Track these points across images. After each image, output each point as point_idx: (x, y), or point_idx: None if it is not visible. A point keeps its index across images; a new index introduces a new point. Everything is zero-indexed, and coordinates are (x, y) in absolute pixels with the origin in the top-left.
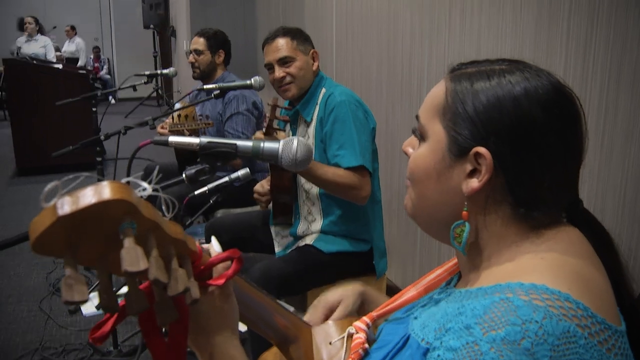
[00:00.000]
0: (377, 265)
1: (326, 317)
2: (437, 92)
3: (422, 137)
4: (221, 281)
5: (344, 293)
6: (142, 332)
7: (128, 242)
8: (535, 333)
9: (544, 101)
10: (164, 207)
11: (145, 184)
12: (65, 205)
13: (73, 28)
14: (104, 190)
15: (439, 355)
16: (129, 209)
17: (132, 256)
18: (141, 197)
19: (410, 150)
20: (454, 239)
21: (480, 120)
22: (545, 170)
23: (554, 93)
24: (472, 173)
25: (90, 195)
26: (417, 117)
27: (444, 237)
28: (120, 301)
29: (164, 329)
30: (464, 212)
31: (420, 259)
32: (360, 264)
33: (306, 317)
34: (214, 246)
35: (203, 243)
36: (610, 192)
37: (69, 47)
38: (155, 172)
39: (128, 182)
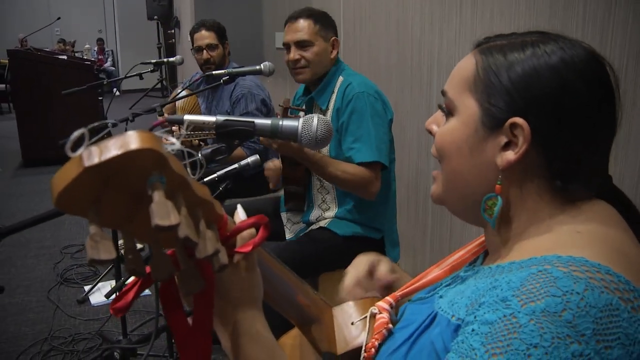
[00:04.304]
0: (388, 254)
1: (370, 272)
2: (466, 65)
3: (450, 112)
4: (248, 248)
5: (381, 256)
6: (163, 308)
7: (158, 196)
8: (577, 305)
9: (582, 70)
10: (188, 169)
11: (173, 139)
12: (93, 156)
13: None
14: (133, 140)
15: (473, 330)
16: (158, 160)
17: (162, 210)
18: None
19: (434, 127)
20: (485, 210)
21: (516, 90)
22: (583, 140)
23: (591, 62)
24: (507, 146)
25: (118, 144)
26: (443, 92)
27: (474, 217)
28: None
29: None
30: (498, 186)
31: (430, 248)
32: (372, 250)
33: (350, 272)
34: (240, 214)
35: None
36: (628, 173)
37: None
38: (185, 125)
39: None
